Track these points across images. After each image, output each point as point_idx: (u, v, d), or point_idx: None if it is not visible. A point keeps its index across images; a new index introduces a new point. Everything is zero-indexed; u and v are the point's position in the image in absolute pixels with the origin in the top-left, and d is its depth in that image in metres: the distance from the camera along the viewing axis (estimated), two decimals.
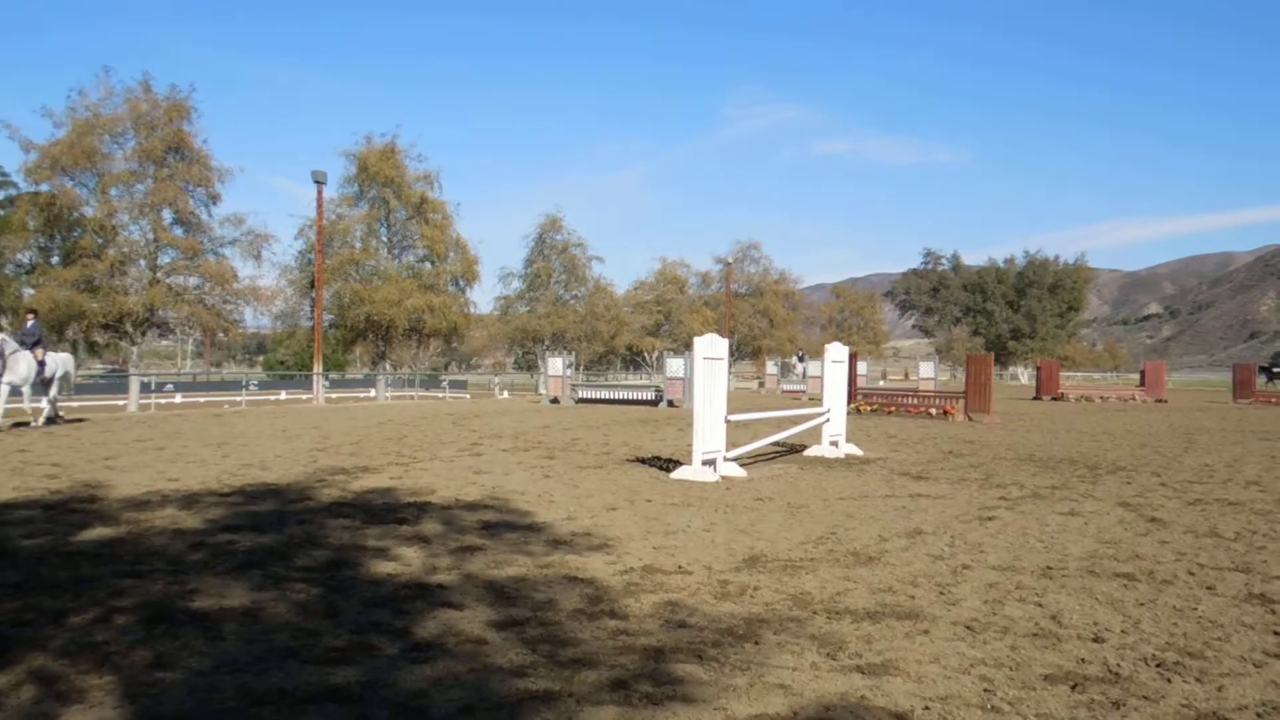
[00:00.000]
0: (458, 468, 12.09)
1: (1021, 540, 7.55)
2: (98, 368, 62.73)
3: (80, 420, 21.19)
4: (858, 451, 14.64)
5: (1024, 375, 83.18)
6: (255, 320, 43.70)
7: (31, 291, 35.38)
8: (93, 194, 34.16)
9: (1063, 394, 38.71)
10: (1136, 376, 46.54)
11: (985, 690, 4.09)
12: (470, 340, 59.24)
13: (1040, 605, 5.51)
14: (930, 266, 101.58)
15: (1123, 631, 5.01)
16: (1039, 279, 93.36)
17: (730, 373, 38.86)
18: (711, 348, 11.81)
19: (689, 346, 36.70)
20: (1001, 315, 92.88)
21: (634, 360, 66.12)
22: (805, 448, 14.82)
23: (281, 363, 69.77)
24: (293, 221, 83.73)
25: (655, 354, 60.66)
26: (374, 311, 41.34)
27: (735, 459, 12.16)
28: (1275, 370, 60.74)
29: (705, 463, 11.34)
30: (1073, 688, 4.14)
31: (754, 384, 59.59)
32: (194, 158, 35.26)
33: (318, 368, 36.14)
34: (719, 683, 4.14)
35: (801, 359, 52.42)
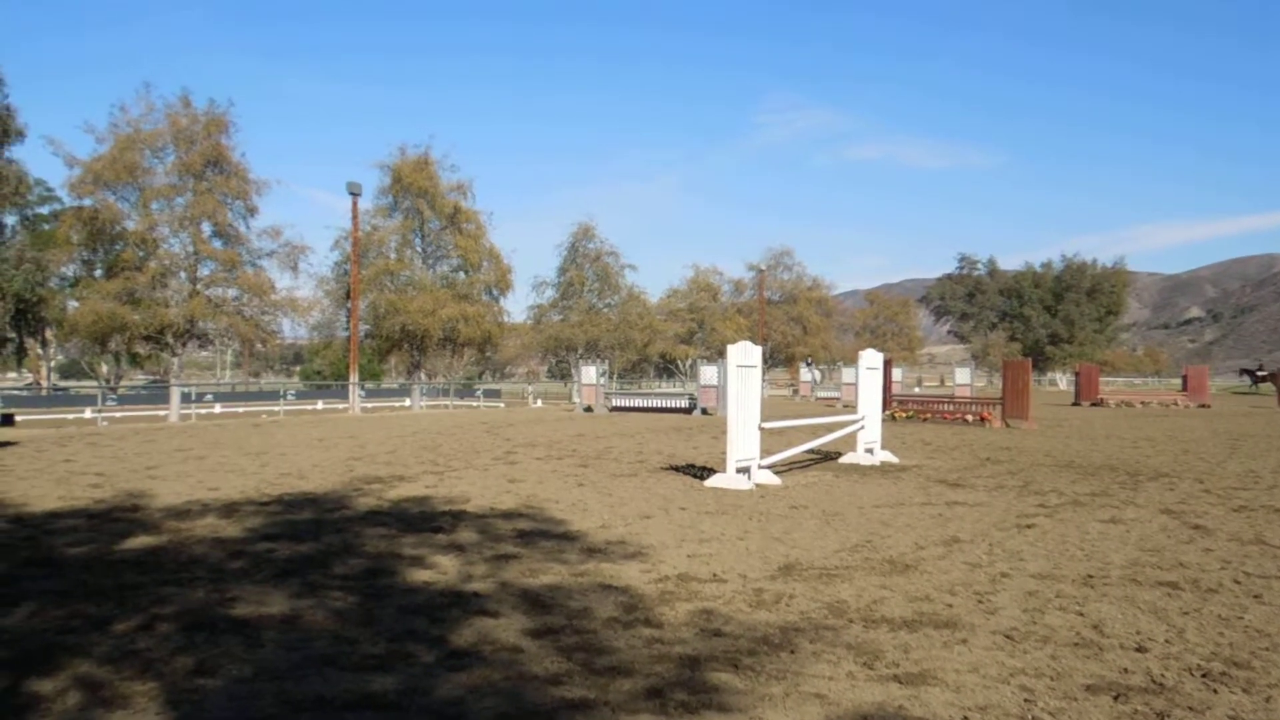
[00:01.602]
0: (492, 476, 12.15)
1: (1061, 548, 7.45)
2: (140, 378, 63.76)
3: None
4: (893, 459, 14.53)
5: (1062, 381, 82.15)
6: (292, 331, 44.35)
7: (75, 304, 36.06)
8: (134, 208, 34.79)
9: (1102, 399, 38.19)
10: (1178, 381, 45.77)
11: (1026, 700, 4.04)
12: (504, 349, 59.57)
13: (1081, 614, 5.43)
14: (965, 271, 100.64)
15: (1167, 641, 4.93)
16: (1077, 283, 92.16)
17: (764, 380, 38.72)
18: (745, 355, 11.78)
19: (722, 354, 36.60)
20: (1039, 320, 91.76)
21: (667, 368, 66.09)
22: (840, 455, 14.73)
23: (318, 373, 70.48)
24: (329, 233, 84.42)
25: (688, 362, 60.61)
26: (409, 321, 41.70)
27: (770, 467, 12.12)
28: (1261, 374, 58.87)
29: (739, 470, 11.31)
30: (1115, 698, 4.08)
31: (788, 391, 59.34)
32: (232, 171, 35.82)
33: (354, 377, 36.48)
34: (754, 692, 4.13)
35: (809, 365, 52.06)
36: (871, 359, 15.40)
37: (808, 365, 52.07)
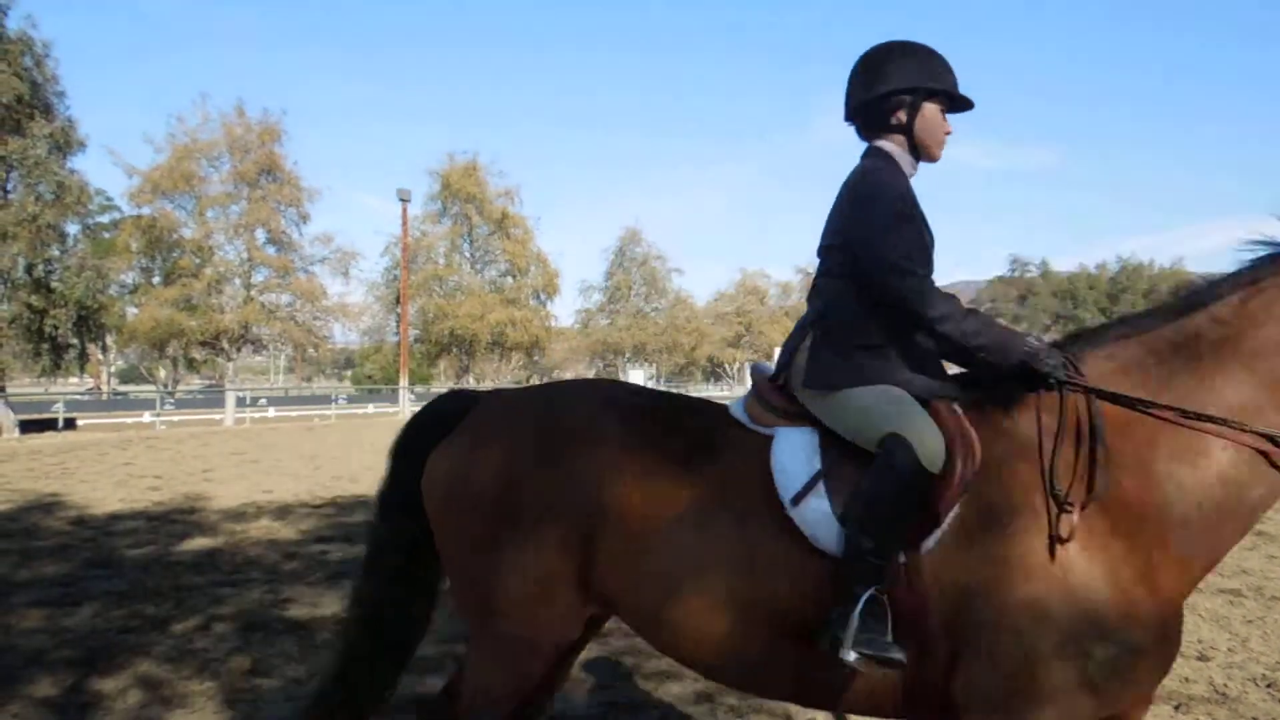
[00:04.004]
0: None
1: None
2: (196, 383, 65.12)
3: None
4: None
5: None
6: (344, 336, 44.95)
7: (134, 311, 36.87)
8: (191, 216, 35.50)
9: None
10: None
11: None
12: (551, 353, 59.82)
13: None
14: (1017, 274, 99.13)
15: (1229, 650, 4.81)
16: (1133, 285, 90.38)
17: None
18: None
19: (770, 357, 36.38)
20: (1094, 323, 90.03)
21: (715, 372, 65.92)
22: None
23: (369, 377, 71.37)
24: (379, 239, 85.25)
25: (736, 366, 60.43)
26: (457, 326, 42.08)
27: None
28: None
29: None
30: (1176, 708, 3.99)
31: None
32: (285, 179, 36.39)
33: (404, 382, 36.89)
34: None
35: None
36: None
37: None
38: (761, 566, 2.26)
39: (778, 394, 2.52)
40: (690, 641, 2.36)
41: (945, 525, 2.18)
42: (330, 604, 5.63)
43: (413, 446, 2.76)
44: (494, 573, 2.48)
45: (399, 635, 2.89)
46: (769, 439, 2.42)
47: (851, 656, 2.07)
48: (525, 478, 2.46)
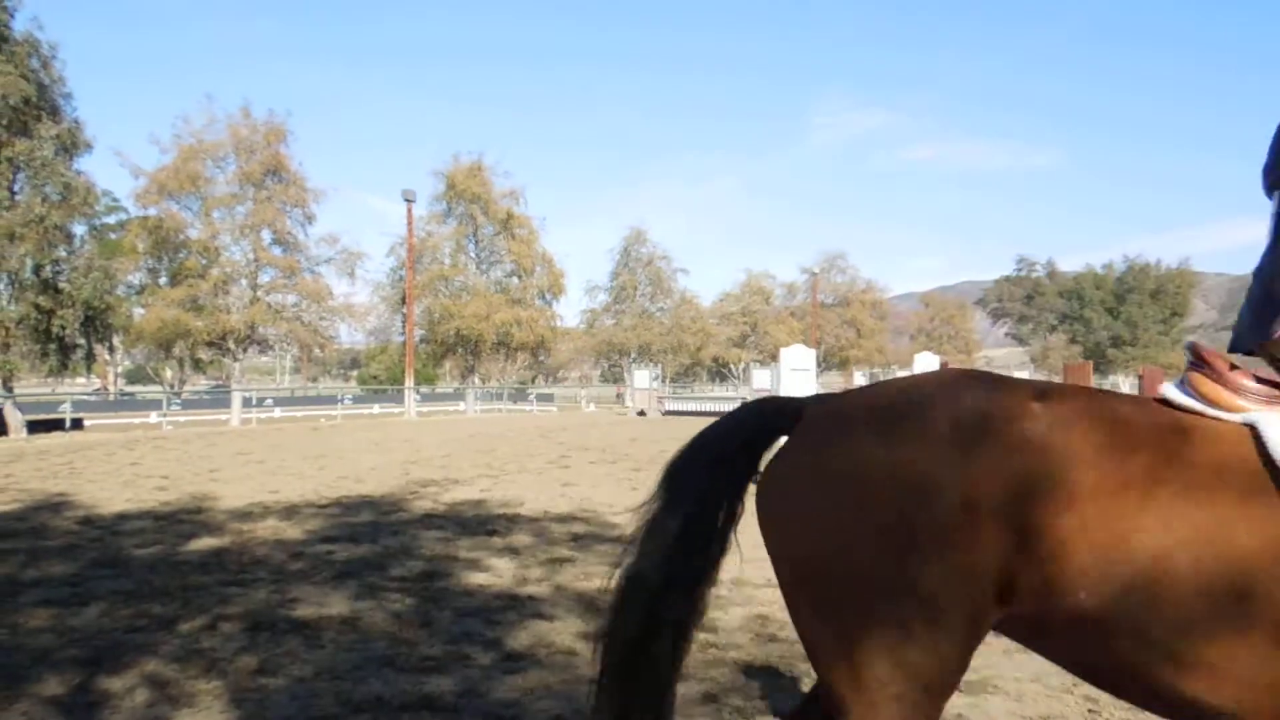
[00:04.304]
0: (546, 480, 12.21)
1: None
2: (202, 383, 65.26)
3: None
4: None
5: (1125, 384, 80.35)
6: (349, 336, 45.12)
7: (141, 311, 36.98)
8: (197, 217, 35.64)
9: None
10: None
11: (1090, 711, 3.95)
12: (557, 354, 59.89)
13: None
14: (1023, 274, 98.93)
15: None
16: (1140, 284, 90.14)
17: (817, 384, 38.30)
18: (798, 359, 11.72)
19: (775, 358, 36.40)
20: (1100, 323, 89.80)
21: (720, 372, 65.87)
22: None
23: (374, 378, 71.45)
24: (384, 240, 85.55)
25: (741, 366, 60.39)
26: (463, 326, 42.16)
27: None
28: None
29: None
30: None
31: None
32: (291, 180, 36.52)
33: (409, 382, 36.92)
34: None
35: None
36: (928, 363, 15.22)
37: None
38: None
39: (1241, 373, 1.99)
40: (1165, 656, 1.86)
41: None
42: (336, 604, 5.64)
43: (716, 476, 2.30)
44: (906, 604, 1.93)
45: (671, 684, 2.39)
46: (1244, 426, 1.90)
47: None
48: (942, 474, 1.89)
